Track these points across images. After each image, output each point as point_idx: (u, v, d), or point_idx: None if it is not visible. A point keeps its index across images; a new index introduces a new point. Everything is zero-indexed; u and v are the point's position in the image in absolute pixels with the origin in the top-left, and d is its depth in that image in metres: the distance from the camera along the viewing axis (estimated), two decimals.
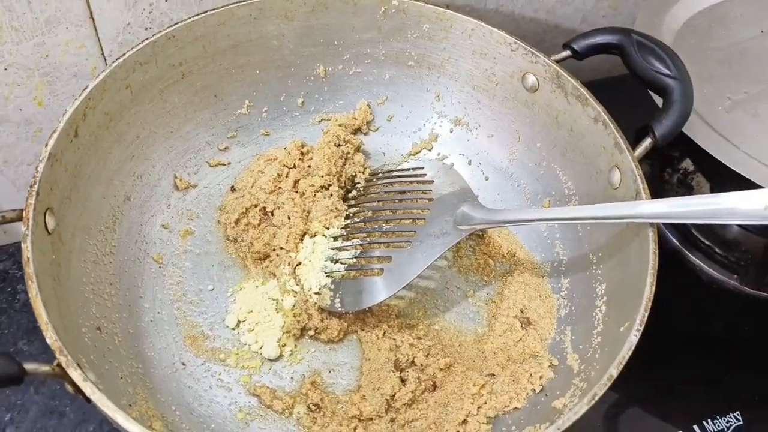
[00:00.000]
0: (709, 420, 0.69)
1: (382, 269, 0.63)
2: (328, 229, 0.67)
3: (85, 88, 0.60)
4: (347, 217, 0.68)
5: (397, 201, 0.70)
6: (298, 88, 0.76)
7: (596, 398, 0.47)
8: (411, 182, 0.71)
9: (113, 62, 0.62)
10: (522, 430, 0.55)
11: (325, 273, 0.64)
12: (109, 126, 0.63)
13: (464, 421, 0.58)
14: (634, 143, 0.61)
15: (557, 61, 0.67)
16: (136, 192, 0.67)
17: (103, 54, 0.72)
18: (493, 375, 0.61)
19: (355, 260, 0.65)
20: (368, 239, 0.66)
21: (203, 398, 0.60)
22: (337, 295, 0.63)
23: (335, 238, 0.66)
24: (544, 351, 0.62)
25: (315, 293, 0.63)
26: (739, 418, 0.70)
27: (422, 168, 0.72)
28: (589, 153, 0.65)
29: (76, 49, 0.70)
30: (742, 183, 0.63)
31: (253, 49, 0.71)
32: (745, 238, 0.79)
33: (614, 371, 0.48)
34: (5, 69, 0.67)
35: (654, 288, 0.52)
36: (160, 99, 0.68)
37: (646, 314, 0.51)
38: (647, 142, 0.61)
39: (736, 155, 0.64)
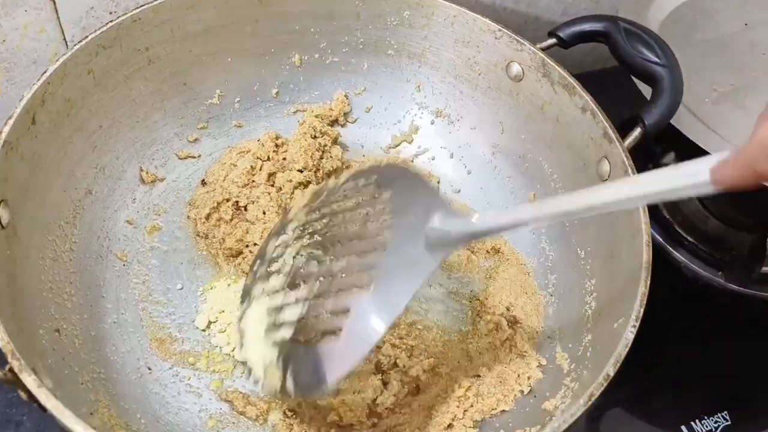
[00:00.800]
0: (696, 420, 0.68)
1: (339, 328, 0.49)
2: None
3: (44, 72, 0.56)
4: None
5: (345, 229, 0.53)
6: (273, 78, 0.72)
7: (593, 399, 0.44)
8: (358, 207, 0.54)
9: (74, 45, 0.58)
10: None
11: (272, 342, 0.51)
12: (70, 113, 0.59)
13: (450, 426, 0.55)
14: (620, 136, 0.59)
15: (542, 50, 0.64)
16: (98, 185, 0.63)
17: (65, 39, 0.68)
18: (479, 376, 0.59)
19: (302, 319, 0.51)
20: (316, 289, 0.51)
21: (171, 405, 0.56)
22: (288, 373, 0.50)
23: (274, 292, 0.54)
24: (532, 350, 0.60)
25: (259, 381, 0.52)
26: (727, 417, 0.68)
27: (369, 180, 0.54)
28: (576, 144, 0.63)
29: (36, 33, 0.66)
30: None
31: (225, 35, 0.68)
32: (729, 235, 0.78)
33: (611, 370, 0.45)
34: None
35: (649, 283, 0.50)
36: (125, 86, 0.64)
37: (642, 310, 0.49)
38: (637, 131, 0.59)
39: (724, 147, 0.63)
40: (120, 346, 0.58)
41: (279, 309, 0.52)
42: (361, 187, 0.54)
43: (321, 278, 0.51)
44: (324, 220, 0.52)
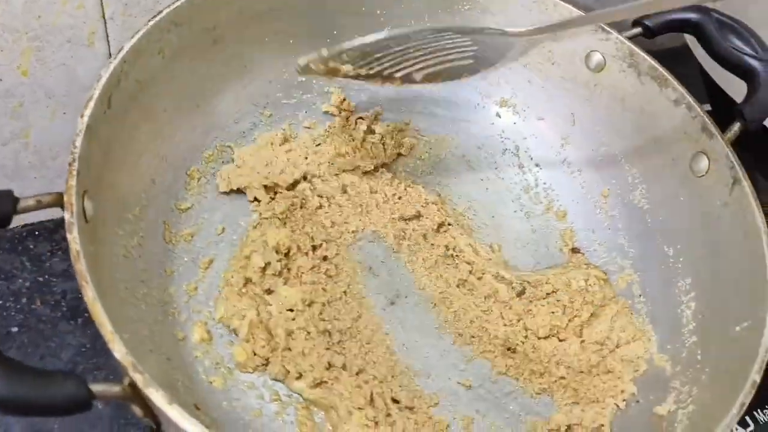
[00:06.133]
0: (759, 410, 0.67)
1: None
2: None
3: (121, 50, 0.51)
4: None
5: None
6: None
7: (744, 407, 0.43)
8: None
9: (149, 21, 0.53)
10: None
11: None
12: (138, 97, 0.54)
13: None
14: None
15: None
16: (160, 175, 0.58)
17: (103, 17, 0.62)
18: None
19: None
20: None
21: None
22: None
23: None
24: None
25: None
26: None
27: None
28: (664, 138, 0.61)
29: (74, 9, 0.60)
30: None
31: (289, 15, 0.63)
32: None
33: (756, 377, 0.44)
34: None
35: None
36: (189, 69, 0.59)
37: None
38: (736, 126, 0.57)
39: None
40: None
41: None
42: None
43: None
44: None
